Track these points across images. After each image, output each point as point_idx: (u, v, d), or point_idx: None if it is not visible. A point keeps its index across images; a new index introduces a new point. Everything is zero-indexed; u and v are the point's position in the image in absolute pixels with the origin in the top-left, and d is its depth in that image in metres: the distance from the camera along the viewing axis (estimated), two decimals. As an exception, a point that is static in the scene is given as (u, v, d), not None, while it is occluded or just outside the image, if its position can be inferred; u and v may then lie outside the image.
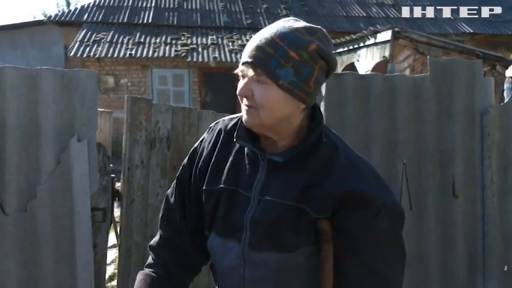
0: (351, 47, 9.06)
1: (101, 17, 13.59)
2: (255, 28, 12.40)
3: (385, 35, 7.82)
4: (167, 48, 12.35)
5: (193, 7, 14.66)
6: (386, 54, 7.76)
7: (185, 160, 1.28)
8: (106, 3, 14.26)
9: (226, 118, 1.25)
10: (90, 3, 14.21)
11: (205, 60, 11.87)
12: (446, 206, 2.62)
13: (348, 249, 1.09)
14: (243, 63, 1.05)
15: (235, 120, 1.20)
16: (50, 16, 14.30)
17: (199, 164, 1.21)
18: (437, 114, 2.63)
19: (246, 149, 1.14)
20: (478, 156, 2.66)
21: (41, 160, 2.22)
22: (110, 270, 4.00)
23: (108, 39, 12.52)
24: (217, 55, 11.95)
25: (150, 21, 13.61)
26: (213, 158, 1.18)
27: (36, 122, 2.21)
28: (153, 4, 14.47)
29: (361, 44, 8.67)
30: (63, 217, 2.23)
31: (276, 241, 1.08)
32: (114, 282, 3.50)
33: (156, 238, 1.29)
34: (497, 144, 2.67)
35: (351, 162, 1.11)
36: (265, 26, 1.16)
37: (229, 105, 10.69)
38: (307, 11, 14.93)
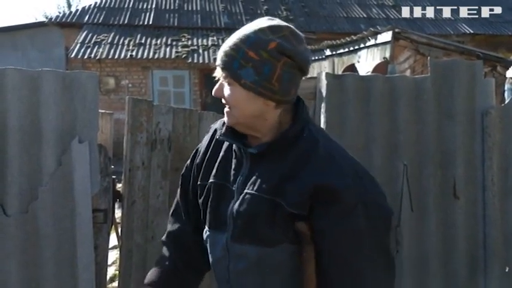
0: (351, 48, 9.06)
1: (101, 18, 13.61)
2: (256, 29, 12.37)
3: (386, 36, 7.82)
4: (168, 49, 12.37)
5: (194, 8, 14.68)
6: (387, 55, 7.77)
7: (189, 159, 1.36)
8: (107, 5, 14.28)
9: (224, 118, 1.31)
10: (91, 5, 14.25)
11: (206, 61, 11.89)
12: (447, 207, 2.62)
13: (325, 249, 1.09)
14: (217, 66, 1.14)
15: None
16: (51, 18, 14.36)
17: (197, 161, 1.30)
18: (438, 115, 2.63)
19: (234, 145, 1.20)
20: (478, 157, 2.66)
21: (43, 161, 2.22)
22: (111, 271, 4.00)
23: (108, 41, 12.54)
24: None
25: (150, 22, 13.63)
26: (207, 155, 1.26)
27: (37, 124, 2.21)
28: (153, 6, 14.50)
29: (362, 45, 8.67)
30: (64, 218, 2.23)
31: (254, 234, 1.12)
32: (115, 284, 3.51)
33: (166, 233, 1.38)
34: (498, 145, 2.67)
35: (330, 157, 1.10)
36: (266, 27, 1.21)
37: (230, 106, 10.67)
38: (307, 12, 14.95)
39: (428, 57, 2.93)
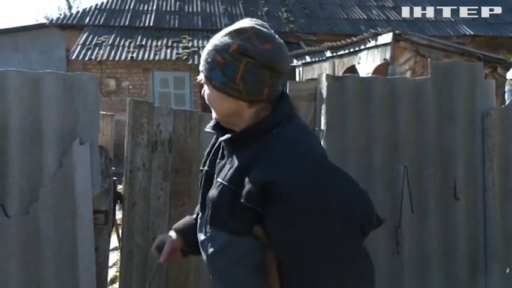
0: (351, 50, 9.05)
1: (102, 20, 13.63)
2: (256, 31, 12.38)
3: (386, 38, 7.82)
4: (168, 51, 12.38)
5: (194, 10, 14.70)
6: (387, 56, 7.76)
7: None
8: (107, 7, 14.30)
9: None
10: (91, 7, 14.27)
11: (207, 63, 11.86)
12: (448, 208, 2.63)
13: (277, 251, 1.09)
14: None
15: None
16: (52, 19, 14.36)
17: (208, 149, 1.41)
18: (438, 117, 2.63)
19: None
20: (479, 159, 2.66)
21: (43, 163, 2.22)
22: (112, 272, 4.00)
23: (109, 42, 12.56)
24: (218, 58, 11.95)
25: (151, 24, 13.64)
26: (209, 147, 1.38)
27: (38, 125, 2.22)
28: (154, 7, 14.52)
29: (362, 47, 8.67)
30: (65, 219, 2.24)
31: (222, 222, 1.16)
32: (116, 285, 3.51)
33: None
34: (498, 146, 2.68)
35: (289, 154, 1.08)
36: (266, 28, 1.26)
37: (231, 107, 10.67)
38: (307, 14, 14.96)
39: (429, 59, 2.93)
